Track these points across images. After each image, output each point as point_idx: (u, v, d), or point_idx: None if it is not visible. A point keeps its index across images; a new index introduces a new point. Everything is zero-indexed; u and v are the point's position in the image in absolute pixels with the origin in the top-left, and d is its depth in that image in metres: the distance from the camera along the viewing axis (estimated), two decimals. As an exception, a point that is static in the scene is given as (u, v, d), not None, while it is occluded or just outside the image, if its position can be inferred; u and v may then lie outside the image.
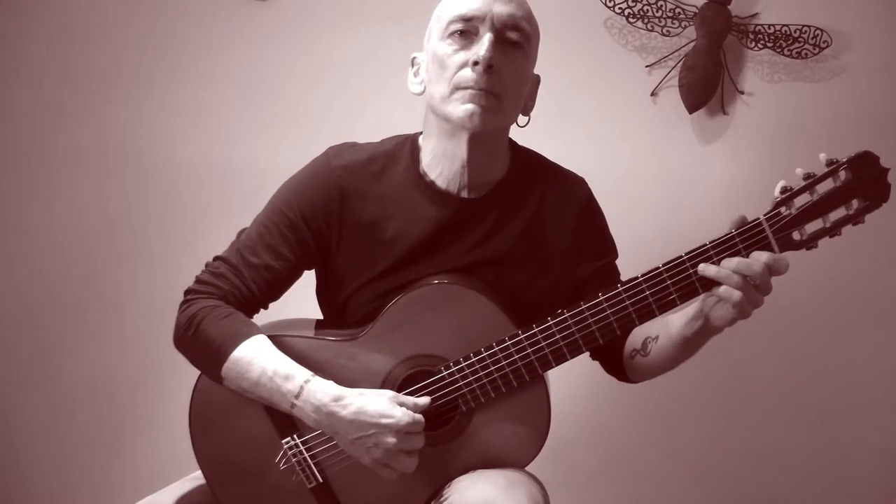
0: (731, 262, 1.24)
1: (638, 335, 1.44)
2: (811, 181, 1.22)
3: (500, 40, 1.34)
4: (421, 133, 1.47)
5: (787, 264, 1.24)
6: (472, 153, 1.38)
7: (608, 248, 1.52)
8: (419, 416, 1.32)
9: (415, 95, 1.44)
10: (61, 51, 2.22)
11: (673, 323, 1.36)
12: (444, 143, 1.40)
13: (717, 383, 2.14)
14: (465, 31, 1.35)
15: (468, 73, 1.33)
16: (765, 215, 1.25)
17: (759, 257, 1.24)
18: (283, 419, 1.38)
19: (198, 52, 2.19)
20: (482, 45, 1.32)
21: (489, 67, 1.32)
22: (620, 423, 2.19)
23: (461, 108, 1.33)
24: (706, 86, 2.06)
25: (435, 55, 1.37)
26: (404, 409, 1.31)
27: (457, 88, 1.34)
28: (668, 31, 2.08)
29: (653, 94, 2.11)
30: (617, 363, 1.50)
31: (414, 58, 1.45)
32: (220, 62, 2.19)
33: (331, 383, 1.33)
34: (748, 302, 1.24)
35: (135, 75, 2.21)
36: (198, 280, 1.43)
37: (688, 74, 2.06)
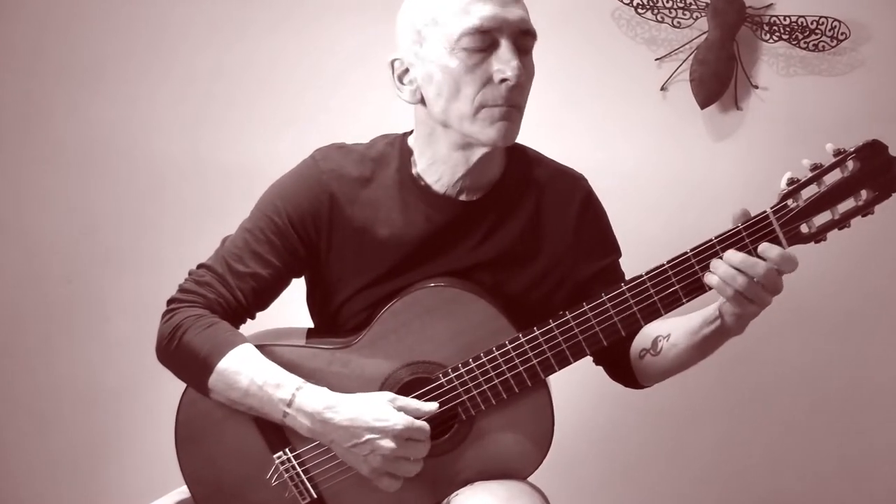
0: (736, 258, 1.26)
1: (647, 334, 1.45)
2: (818, 172, 1.25)
3: (517, 49, 1.33)
4: (409, 133, 1.48)
5: (796, 262, 1.25)
6: (480, 162, 1.40)
7: (611, 248, 1.53)
8: (422, 423, 1.33)
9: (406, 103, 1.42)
10: (46, 45, 2.25)
11: (691, 321, 1.38)
12: (451, 153, 1.40)
13: (725, 390, 2.16)
14: (481, 44, 1.32)
15: (495, 91, 1.32)
16: (772, 208, 1.27)
17: (768, 252, 1.25)
18: (275, 433, 1.39)
19: (186, 48, 2.23)
20: (509, 62, 1.31)
21: (517, 84, 1.32)
22: (626, 431, 2.20)
23: (492, 127, 1.33)
24: (718, 80, 2.08)
25: (446, 69, 1.33)
26: (402, 413, 1.33)
27: (483, 107, 1.33)
28: (678, 22, 2.11)
29: (663, 88, 2.14)
30: (624, 367, 1.51)
31: (393, 62, 1.40)
32: (209, 58, 2.22)
33: (324, 390, 1.35)
34: (748, 298, 1.26)
35: (120, 71, 2.24)
36: (181, 289, 1.44)
37: (699, 68, 2.08)
